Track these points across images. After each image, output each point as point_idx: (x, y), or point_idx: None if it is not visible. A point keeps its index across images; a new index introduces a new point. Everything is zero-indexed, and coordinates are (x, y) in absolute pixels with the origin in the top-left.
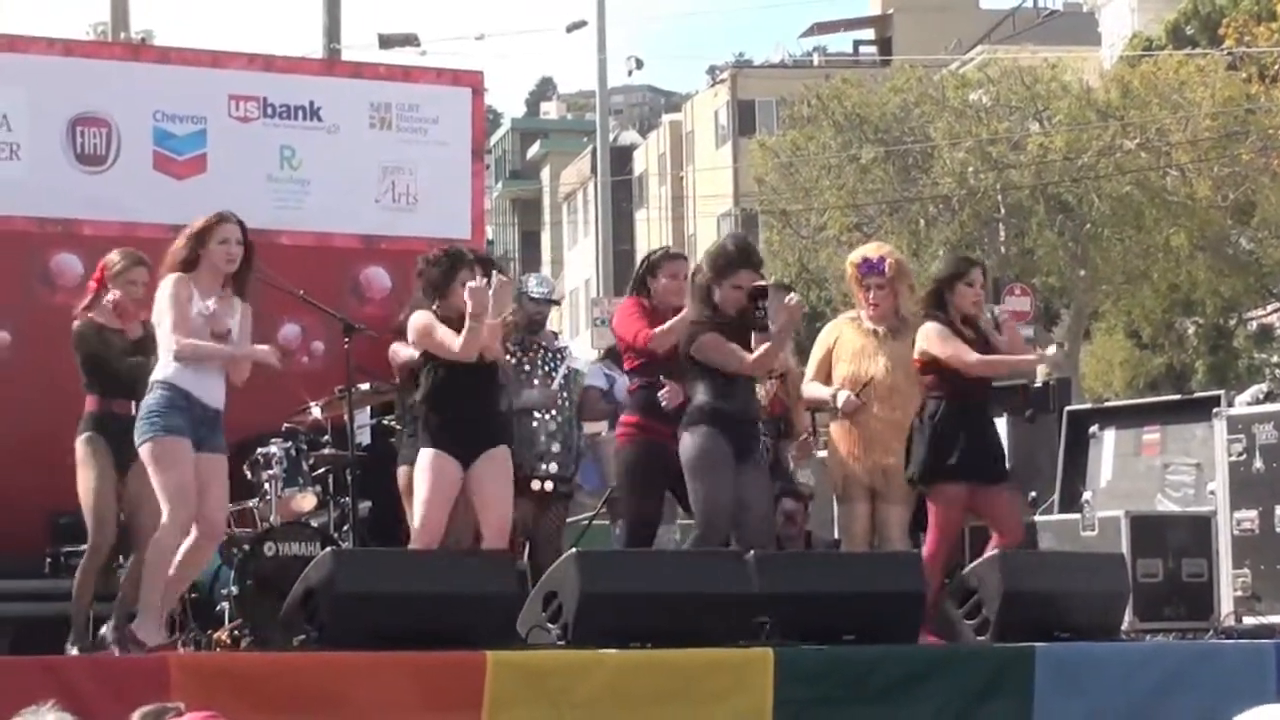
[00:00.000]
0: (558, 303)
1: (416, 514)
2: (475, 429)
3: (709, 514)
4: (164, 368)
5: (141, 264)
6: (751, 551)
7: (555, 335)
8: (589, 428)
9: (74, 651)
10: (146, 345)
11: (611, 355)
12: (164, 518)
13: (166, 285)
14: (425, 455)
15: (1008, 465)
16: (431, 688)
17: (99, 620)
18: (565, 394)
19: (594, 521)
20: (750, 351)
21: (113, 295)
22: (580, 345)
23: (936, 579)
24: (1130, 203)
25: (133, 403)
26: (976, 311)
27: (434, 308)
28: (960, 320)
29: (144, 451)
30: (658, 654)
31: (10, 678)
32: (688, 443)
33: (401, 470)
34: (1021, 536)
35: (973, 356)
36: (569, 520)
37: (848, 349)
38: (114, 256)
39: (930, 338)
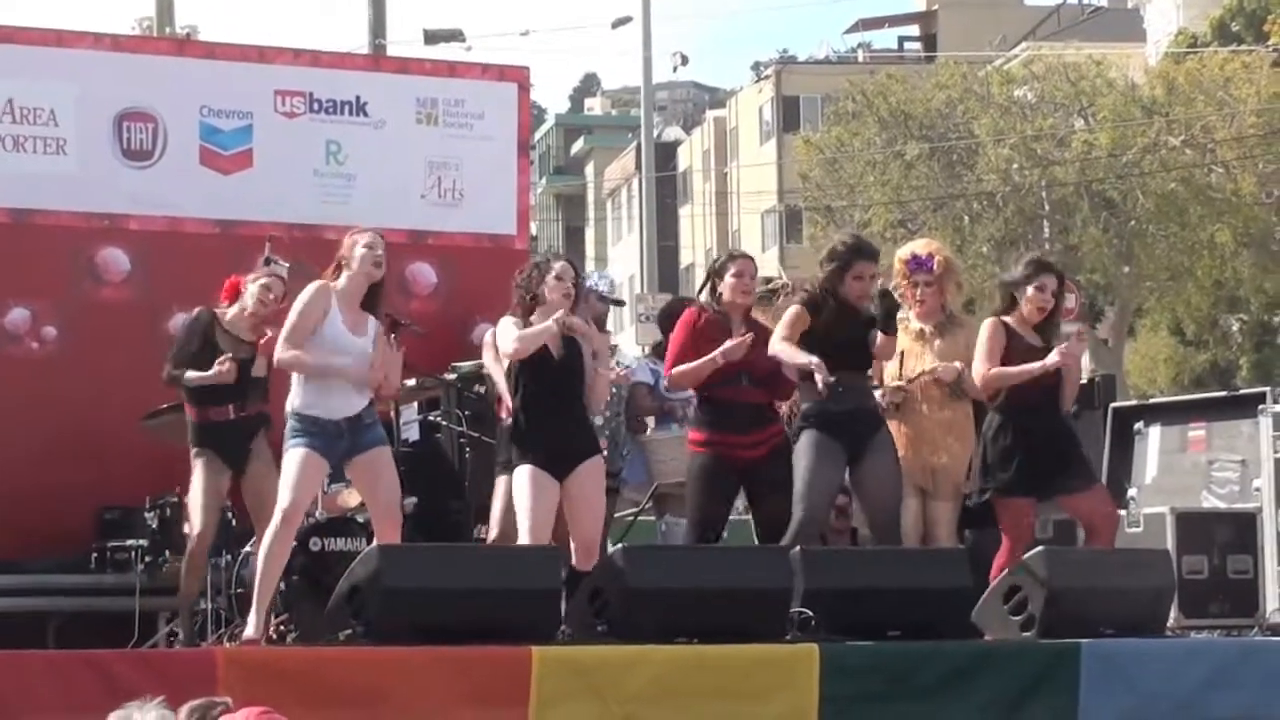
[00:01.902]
0: (621, 303)
1: (522, 531)
2: (567, 439)
3: (807, 508)
4: (291, 396)
5: (276, 263)
6: (798, 548)
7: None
8: None
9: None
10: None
11: (657, 351)
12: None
13: (305, 291)
14: (523, 472)
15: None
16: (478, 683)
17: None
18: (613, 390)
19: (639, 517)
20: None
21: (242, 304)
22: (625, 341)
23: None
24: (1175, 199)
25: (231, 405)
26: (1041, 318)
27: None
28: (1030, 326)
29: None
30: (704, 649)
31: (55, 672)
32: (798, 443)
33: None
34: (1113, 535)
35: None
36: (615, 515)
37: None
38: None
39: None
